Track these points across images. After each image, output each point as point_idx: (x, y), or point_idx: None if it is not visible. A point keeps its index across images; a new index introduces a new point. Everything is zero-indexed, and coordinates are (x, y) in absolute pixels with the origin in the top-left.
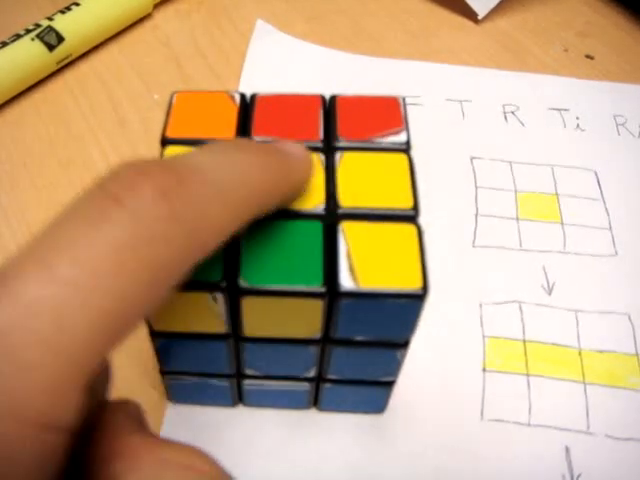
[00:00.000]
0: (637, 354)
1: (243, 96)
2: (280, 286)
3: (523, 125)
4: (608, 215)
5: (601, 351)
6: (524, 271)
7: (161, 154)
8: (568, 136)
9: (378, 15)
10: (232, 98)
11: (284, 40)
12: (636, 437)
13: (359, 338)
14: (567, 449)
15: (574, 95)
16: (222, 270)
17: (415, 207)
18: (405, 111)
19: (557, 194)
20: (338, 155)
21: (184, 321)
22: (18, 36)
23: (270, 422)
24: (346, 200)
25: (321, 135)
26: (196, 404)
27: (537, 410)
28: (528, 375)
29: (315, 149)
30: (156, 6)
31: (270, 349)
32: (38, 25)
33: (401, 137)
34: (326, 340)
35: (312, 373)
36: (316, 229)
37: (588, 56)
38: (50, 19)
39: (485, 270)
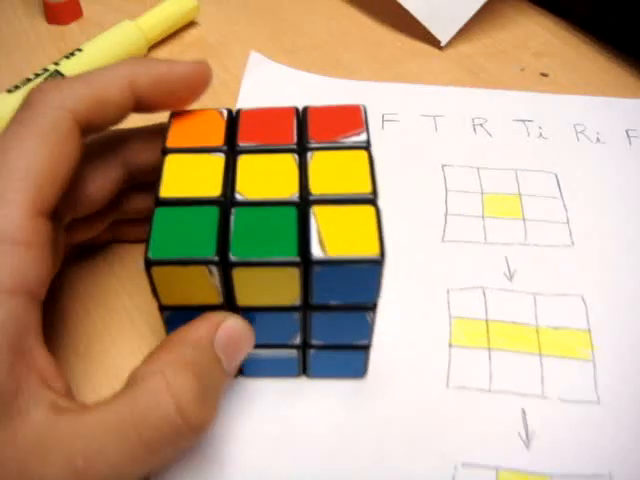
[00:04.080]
0: (589, 329)
1: (230, 111)
2: (263, 258)
3: (491, 135)
4: (566, 211)
5: (556, 328)
6: (488, 261)
7: (162, 163)
8: (532, 144)
9: (351, 48)
10: (220, 113)
11: (276, 68)
12: (584, 399)
13: (333, 303)
14: (523, 411)
15: (537, 108)
16: (216, 247)
17: (373, 192)
18: (365, 116)
19: (520, 194)
20: (309, 154)
21: (187, 295)
22: (28, 80)
23: (263, 389)
24: (316, 189)
25: (295, 139)
26: None
27: (497, 378)
28: (490, 349)
29: (291, 150)
30: (150, 49)
31: (260, 318)
32: (46, 70)
33: (362, 137)
34: (306, 307)
35: (297, 340)
36: (292, 213)
37: (543, 74)
38: (56, 64)
39: (453, 261)
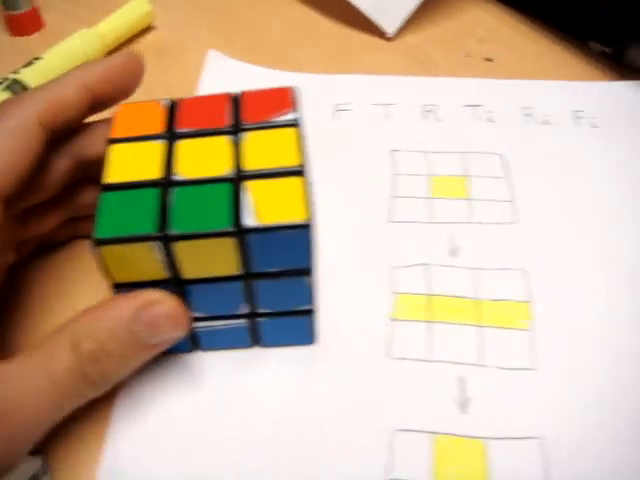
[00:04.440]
0: (528, 301)
1: (171, 101)
2: (200, 230)
3: (440, 121)
4: (511, 190)
5: (496, 300)
6: (432, 240)
7: (108, 152)
8: (480, 128)
9: (304, 44)
10: (161, 104)
11: (233, 65)
12: (521, 366)
13: (271, 270)
14: (461, 379)
15: (487, 93)
16: (157, 224)
17: (302, 164)
18: (295, 97)
19: (466, 176)
20: (243, 135)
21: (136, 271)
22: None
23: (217, 360)
24: (248, 165)
25: (229, 121)
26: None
27: (436, 349)
28: (430, 322)
29: (225, 132)
30: (108, 55)
31: (206, 289)
32: (6, 78)
33: (291, 116)
34: (247, 276)
35: (245, 309)
36: (226, 188)
37: (487, 59)
38: (16, 72)
39: (397, 241)
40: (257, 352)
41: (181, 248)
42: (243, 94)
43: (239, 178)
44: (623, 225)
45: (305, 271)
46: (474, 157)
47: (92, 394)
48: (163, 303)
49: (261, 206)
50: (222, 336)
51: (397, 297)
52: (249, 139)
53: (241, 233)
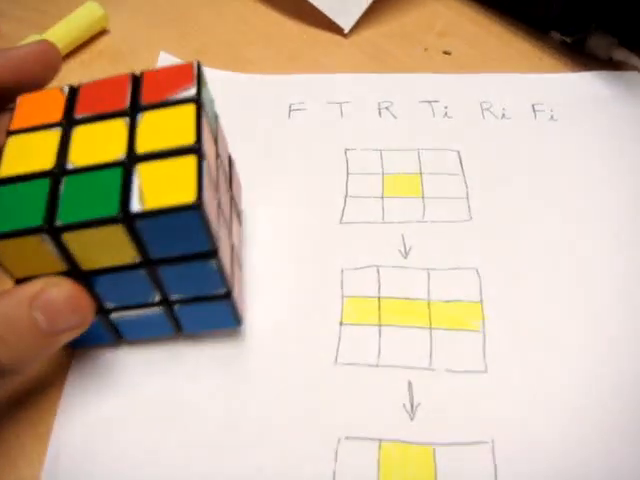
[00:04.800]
0: (481, 301)
1: (71, 87)
2: (86, 219)
3: (395, 118)
4: (466, 187)
5: (448, 301)
6: (384, 240)
7: (4, 144)
8: (436, 124)
9: (255, 43)
10: (61, 90)
11: None
12: (471, 369)
13: (171, 255)
14: (410, 383)
15: (443, 88)
16: (43, 216)
17: (196, 141)
18: (197, 72)
19: (421, 173)
20: (139, 116)
21: (33, 266)
22: None
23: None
24: (141, 147)
25: (127, 103)
26: (82, 347)
27: (385, 353)
28: (380, 325)
29: (123, 114)
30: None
31: (110, 280)
32: None
33: (190, 92)
34: (148, 262)
35: (157, 297)
36: (117, 174)
37: (446, 52)
38: None
39: (349, 242)
40: (196, 350)
41: (71, 239)
42: (144, 73)
43: (130, 161)
44: (579, 223)
45: (208, 254)
46: (430, 154)
47: None
48: (60, 286)
49: (149, 189)
50: (142, 325)
51: (347, 300)
52: (145, 119)
53: (128, 219)
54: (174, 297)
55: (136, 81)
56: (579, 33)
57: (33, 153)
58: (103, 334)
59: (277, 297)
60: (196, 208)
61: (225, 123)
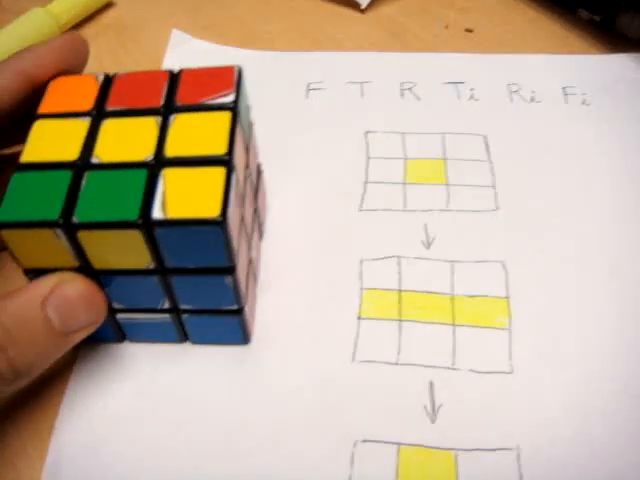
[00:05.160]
0: (507, 297)
1: (106, 76)
2: (104, 220)
3: (419, 99)
4: (493, 175)
5: (473, 296)
6: (406, 229)
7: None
8: (462, 106)
9: (268, 18)
10: (96, 78)
11: (199, 45)
12: (496, 370)
13: (188, 266)
14: (431, 384)
15: (469, 69)
16: (61, 210)
17: (227, 153)
18: (238, 77)
19: (445, 158)
20: (172, 117)
21: (44, 258)
22: None
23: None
24: (171, 151)
25: (162, 101)
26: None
27: (406, 351)
28: (400, 320)
29: (155, 113)
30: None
31: (121, 282)
32: None
33: (228, 98)
34: (162, 270)
35: (166, 304)
36: (142, 175)
37: (468, 30)
38: None
39: (369, 231)
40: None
41: (86, 237)
42: (183, 72)
43: (157, 164)
44: (613, 216)
45: (225, 270)
46: (454, 139)
47: (2, 389)
48: (74, 282)
49: (174, 197)
50: (147, 329)
51: (366, 293)
52: (179, 121)
53: (147, 226)
54: (184, 307)
55: (173, 79)
56: (609, 11)
57: (58, 141)
58: (108, 332)
59: (292, 289)
60: (219, 224)
61: None
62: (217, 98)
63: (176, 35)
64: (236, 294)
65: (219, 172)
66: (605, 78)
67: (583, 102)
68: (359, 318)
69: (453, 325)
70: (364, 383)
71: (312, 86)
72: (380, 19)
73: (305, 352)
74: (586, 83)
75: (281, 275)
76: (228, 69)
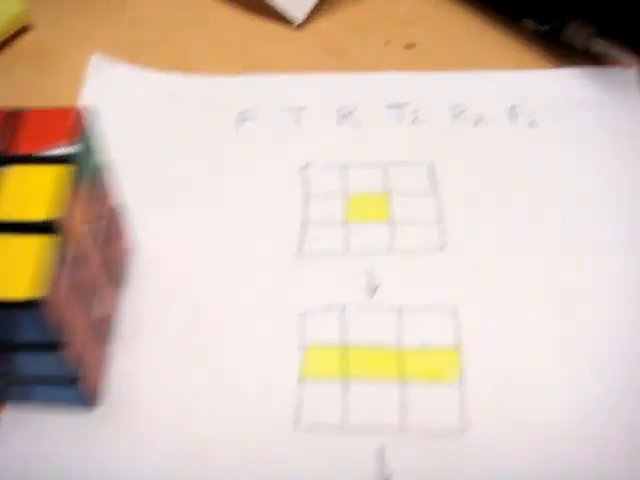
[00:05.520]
0: (458, 346)
1: None
2: None
3: (360, 125)
4: (439, 209)
5: (421, 347)
6: (348, 275)
7: None
8: (404, 131)
9: (196, 38)
10: None
11: (121, 70)
12: (449, 429)
13: (12, 341)
14: (380, 450)
15: (411, 89)
16: None
17: (55, 218)
18: (80, 122)
19: (388, 192)
20: (4, 169)
21: None
22: None
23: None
24: None
25: None
26: None
27: (352, 414)
28: (346, 379)
29: None
30: None
31: None
32: None
33: (67, 149)
34: None
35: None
36: None
37: (409, 45)
38: None
39: (308, 278)
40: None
41: None
42: (24, 113)
43: None
44: (567, 250)
45: (52, 345)
46: (398, 169)
47: None
48: None
49: None
50: None
51: (307, 350)
52: (10, 175)
53: None
54: (17, 374)
55: (11, 120)
56: (554, 21)
57: None
58: None
59: (225, 349)
60: (37, 305)
61: (158, 136)
62: (57, 147)
63: (96, 60)
64: (69, 366)
65: (44, 241)
66: (553, 94)
67: (532, 123)
68: (300, 380)
69: (401, 383)
70: (308, 453)
71: (244, 115)
72: (315, 36)
73: (239, 418)
74: (534, 102)
75: (199, 335)
76: (68, 112)
